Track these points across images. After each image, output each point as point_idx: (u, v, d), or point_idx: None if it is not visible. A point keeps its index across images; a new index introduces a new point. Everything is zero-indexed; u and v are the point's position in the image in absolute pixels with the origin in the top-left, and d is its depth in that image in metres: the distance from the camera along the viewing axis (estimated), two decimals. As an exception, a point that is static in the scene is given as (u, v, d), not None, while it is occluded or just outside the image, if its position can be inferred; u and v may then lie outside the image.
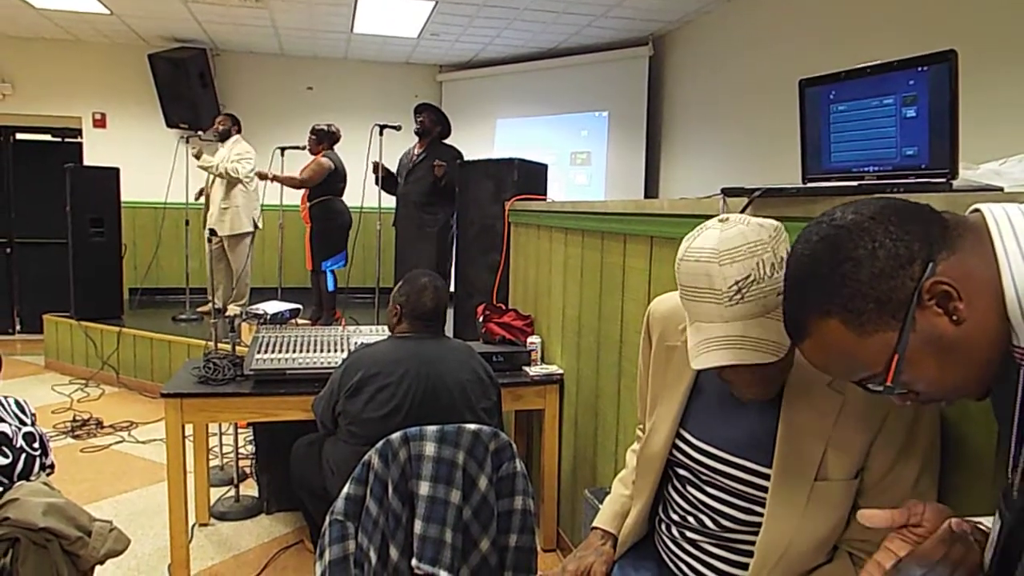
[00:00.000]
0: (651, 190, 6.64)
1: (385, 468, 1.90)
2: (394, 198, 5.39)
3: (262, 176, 5.45)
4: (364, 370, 2.22)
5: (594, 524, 1.52)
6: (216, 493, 3.37)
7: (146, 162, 6.86)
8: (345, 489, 1.90)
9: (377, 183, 5.22)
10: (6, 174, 7.07)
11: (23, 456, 1.88)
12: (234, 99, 7.36)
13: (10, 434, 1.87)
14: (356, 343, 2.76)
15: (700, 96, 5.97)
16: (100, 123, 7.22)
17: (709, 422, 1.27)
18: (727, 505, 1.23)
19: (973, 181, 1.14)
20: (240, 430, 3.57)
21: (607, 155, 6.82)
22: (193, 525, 3.07)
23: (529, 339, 3.10)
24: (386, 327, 2.62)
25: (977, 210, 0.83)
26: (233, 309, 5.88)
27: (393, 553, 1.89)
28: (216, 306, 5.95)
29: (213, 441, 3.70)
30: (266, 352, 2.74)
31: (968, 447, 1.11)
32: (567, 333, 2.89)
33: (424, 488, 1.90)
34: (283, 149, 5.50)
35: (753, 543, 1.20)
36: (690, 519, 1.29)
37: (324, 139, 5.41)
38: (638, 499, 1.41)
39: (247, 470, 3.62)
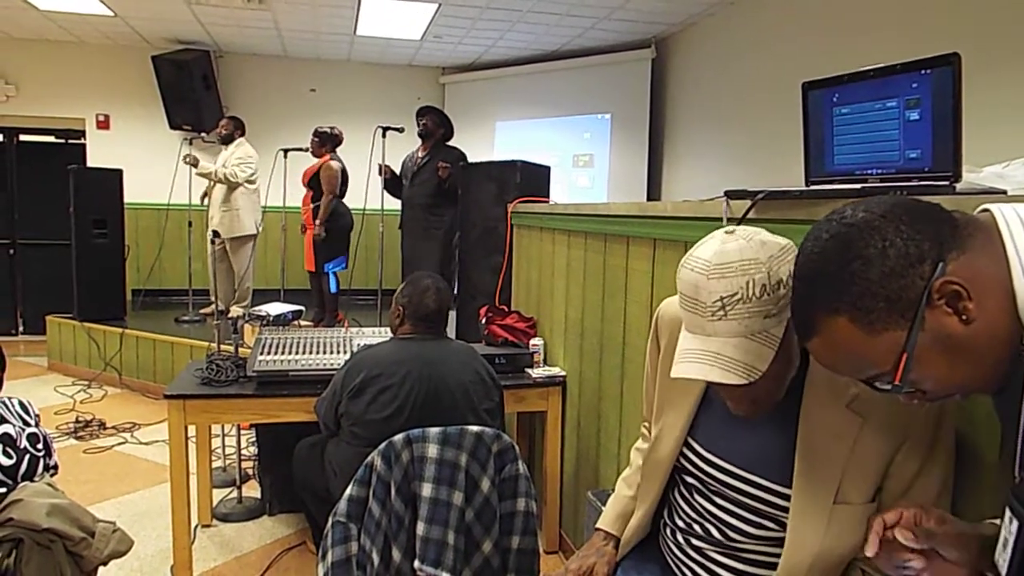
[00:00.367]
0: (654, 192, 6.64)
1: (388, 470, 1.90)
2: (397, 201, 5.40)
3: (317, 232, 5.39)
4: (367, 371, 2.22)
5: (597, 525, 1.51)
6: (219, 494, 3.37)
7: (149, 164, 6.88)
8: (348, 491, 1.90)
9: (383, 186, 5.23)
10: (10, 175, 7.09)
11: (27, 457, 1.89)
12: (237, 101, 7.38)
13: (14, 435, 1.87)
14: (358, 345, 2.77)
15: (703, 99, 5.97)
16: (103, 125, 7.24)
17: (719, 434, 1.25)
18: (735, 517, 1.22)
19: (976, 184, 1.14)
20: (243, 431, 3.57)
21: (610, 157, 6.82)
22: (196, 526, 3.07)
23: (532, 341, 3.10)
24: (388, 329, 2.63)
25: (986, 210, 0.83)
26: (236, 311, 5.88)
27: (395, 555, 1.89)
28: (219, 308, 5.96)
29: (216, 442, 3.70)
30: (269, 354, 2.75)
31: (967, 448, 1.11)
32: (570, 335, 2.89)
33: (427, 490, 1.90)
34: (286, 151, 5.51)
35: (761, 553, 1.20)
36: (696, 527, 1.28)
37: (327, 141, 5.42)
38: (643, 502, 1.40)
39: (250, 471, 3.62)
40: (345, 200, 5.54)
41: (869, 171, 1.27)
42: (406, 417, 2.17)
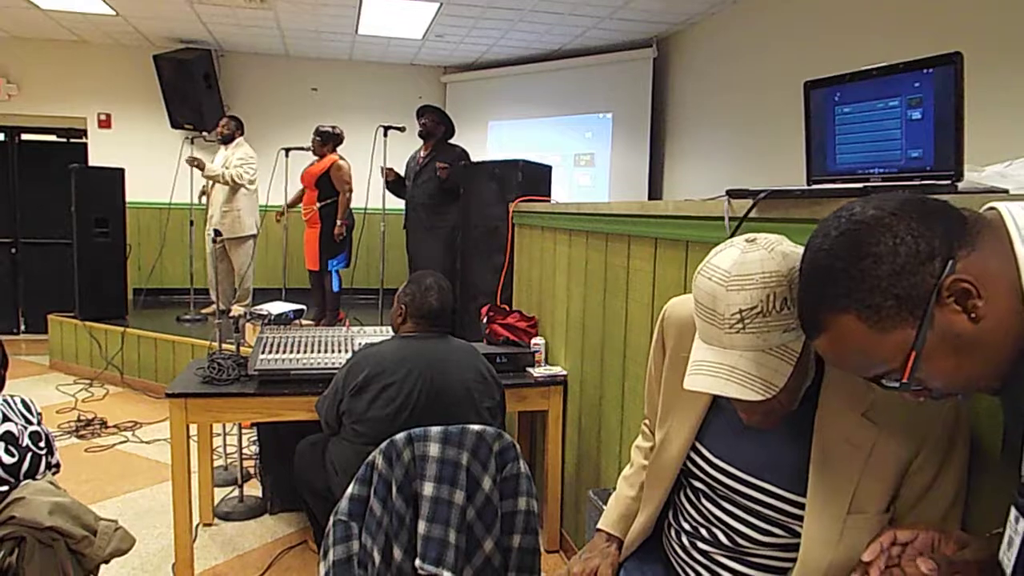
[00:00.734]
0: (655, 192, 6.63)
1: (389, 468, 1.90)
2: (400, 200, 5.41)
3: (343, 234, 5.45)
4: (369, 369, 2.23)
5: (599, 526, 1.50)
6: (220, 493, 3.37)
7: (151, 163, 6.88)
8: (349, 489, 1.90)
9: (387, 188, 5.24)
10: (11, 174, 7.10)
11: (29, 455, 1.89)
12: (238, 100, 7.38)
13: (16, 433, 1.87)
14: (360, 344, 2.77)
15: (704, 98, 5.97)
16: (105, 124, 7.25)
17: (729, 441, 1.23)
18: (743, 523, 1.20)
19: (978, 183, 1.14)
20: (244, 430, 3.57)
21: (611, 157, 6.82)
22: (197, 525, 3.08)
23: (533, 340, 3.10)
24: (389, 327, 2.63)
25: (993, 208, 0.83)
26: (237, 310, 5.89)
27: (397, 553, 1.89)
28: (220, 307, 5.97)
29: (217, 441, 3.70)
30: (270, 352, 2.75)
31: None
32: (571, 334, 2.89)
33: (428, 488, 1.91)
34: (287, 150, 5.52)
35: (769, 558, 1.19)
36: (702, 531, 1.26)
37: (329, 140, 5.43)
38: (647, 505, 1.39)
39: (251, 470, 3.63)
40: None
41: (871, 170, 1.27)
42: (408, 415, 2.17)
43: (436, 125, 5.13)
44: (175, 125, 7.06)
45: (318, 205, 5.41)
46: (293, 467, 2.64)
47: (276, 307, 3.32)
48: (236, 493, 3.37)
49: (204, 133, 6.61)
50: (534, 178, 3.62)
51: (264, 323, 3.19)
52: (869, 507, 1.07)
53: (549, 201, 3.52)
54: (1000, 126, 3.00)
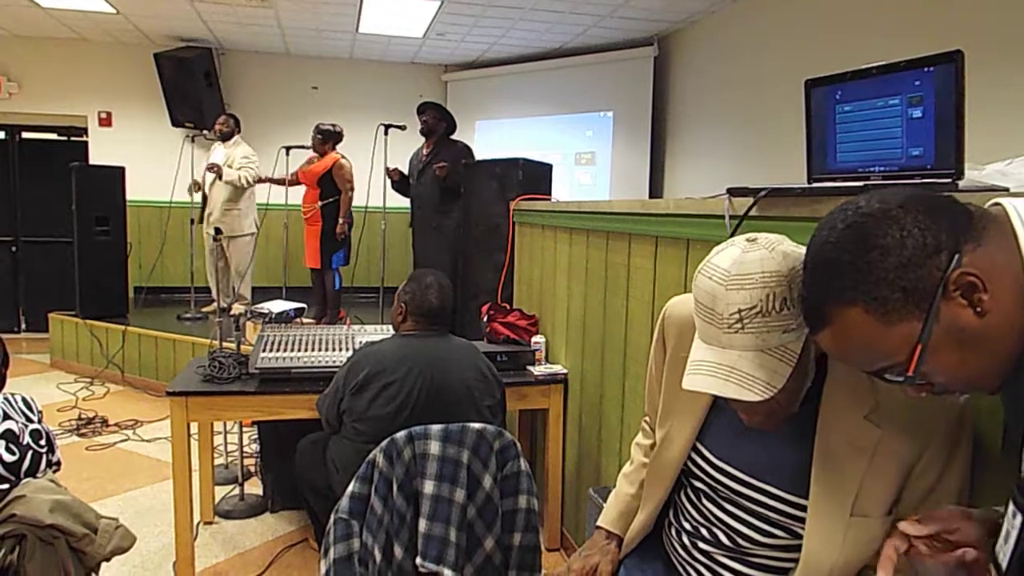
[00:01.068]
0: (656, 190, 6.63)
1: (390, 467, 1.90)
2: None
3: (345, 232, 5.50)
4: (369, 367, 2.23)
5: (599, 523, 1.50)
6: (221, 491, 3.38)
7: (151, 161, 6.88)
8: (350, 487, 1.90)
9: (393, 188, 5.25)
10: (12, 173, 7.11)
11: (30, 453, 1.89)
12: (239, 98, 7.38)
13: (17, 431, 1.88)
14: (361, 342, 2.77)
15: (705, 96, 5.97)
16: (106, 122, 7.25)
17: (730, 441, 1.22)
18: (745, 524, 1.20)
19: (979, 181, 1.13)
20: (245, 429, 3.58)
21: (612, 155, 6.82)
22: (198, 523, 3.08)
23: (533, 339, 3.10)
24: (390, 326, 2.63)
25: (997, 203, 0.83)
26: (238, 308, 5.89)
27: (398, 551, 1.89)
28: (221, 305, 5.97)
29: (218, 440, 3.71)
30: (271, 351, 2.75)
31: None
32: (571, 333, 2.89)
33: (429, 487, 1.91)
34: (288, 148, 5.52)
35: (770, 558, 1.19)
36: (703, 531, 1.26)
37: (330, 139, 5.44)
38: (648, 503, 1.38)
39: (252, 468, 3.63)
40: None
41: (871, 168, 1.27)
42: (408, 414, 2.17)
43: (437, 122, 5.13)
44: (176, 123, 7.06)
45: (320, 204, 5.42)
46: (294, 465, 2.64)
47: (277, 305, 3.33)
48: (237, 491, 3.37)
49: (204, 131, 6.60)
50: (535, 176, 3.62)
51: (265, 321, 3.20)
52: (872, 510, 1.06)
53: (550, 200, 3.52)
54: (1001, 124, 3.00)
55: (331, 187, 5.40)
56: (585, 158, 7.05)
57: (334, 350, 2.81)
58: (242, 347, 2.92)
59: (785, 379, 0.99)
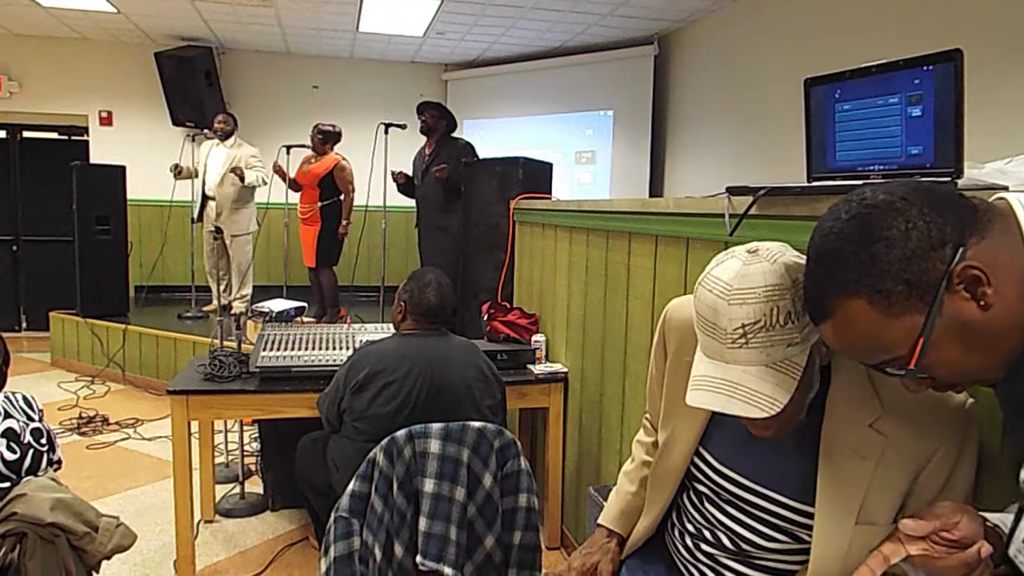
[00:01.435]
0: (656, 189, 6.63)
1: (390, 465, 1.90)
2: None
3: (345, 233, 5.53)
4: (370, 367, 2.23)
5: (599, 522, 1.50)
6: (221, 490, 3.38)
7: (152, 160, 6.87)
8: (350, 486, 1.91)
9: (400, 191, 5.26)
10: (13, 172, 7.11)
11: (31, 452, 1.89)
12: (240, 98, 7.38)
13: (18, 430, 1.88)
14: (361, 341, 2.77)
15: (705, 95, 5.97)
16: (106, 121, 7.25)
17: (734, 447, 1.21)
18: (748, 529, 1.19)
19: (978, 180, 1.13)
20: (245, 427, 3.58)
21: (612, 154, 6.82)
22: (198, 522, 3.08)
23: (534, 337, 3.10)
24: (390, 324, 2.63)
25: (1002, 198, 0.83)
26: (238, 307, 5.91)
27: (398, 550, 1.89)
28: (222, 303, 5.99)
29: (218, 438, 3.71)
30: (271, 349, 2.76)
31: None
32: (572, 331, 2.89)
33: (429, 485, 1.91)
34: (288, 147, 5.52)
35: (774, 561, 1.19)
36: (706, 533, 1.26)
37: (330, 139, 5.46)
38: (651, 508, 1.38)
39: (252, 467, 3.63)
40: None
41: (871, 167, 1.27)
42: (409, 412, 2.17)
43: (437, 120, 5.12)
44: (176, 123, 7.06)
45: (319, 204, 5.42)
46: (294, 464, 2.64)
47: (277, 304, 3.33)
48: (237, 490, 3.38)
49: (205, 130, 6.61)
50: (535, 175, 3.62)
51: (265, 320, 3.20)
52: (878, 518, 1.05)
53: (550, 198, 3.53)
54: (1000, 123, 3.00)
55: (331, 188, 5.40)
56: (585, 157, 7.05)
57: (335, 349, 2.81)
58: (243, 346, 2.93)
59: (791, 393, 0.98)
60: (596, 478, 2.64)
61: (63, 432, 4.27)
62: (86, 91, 7.14)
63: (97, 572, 1.90)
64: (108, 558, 1.88)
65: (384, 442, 1.91)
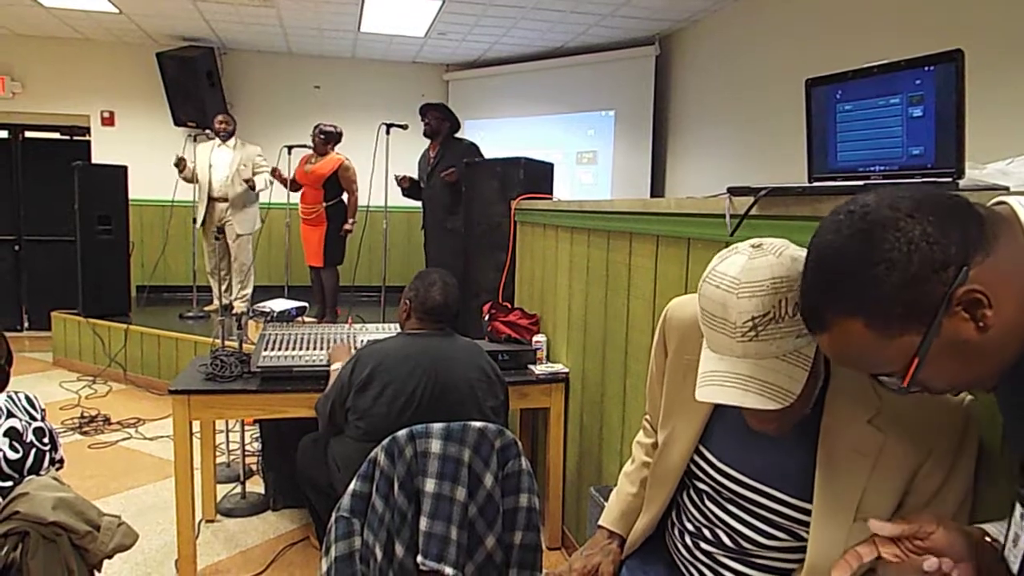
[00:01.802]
0: (657, 189, 6.63)
1: (391, 465, 1.91)
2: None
3: (348, 230, 5.57)
4: (373, 365, 2.23)
5: (600, 523, 1.50)
6: (223, 490, 3.38)
7: (154, 160, 6.89)
8: (351, 486, 1.91)
9: (405, 194, 5.27)
10: (15, 172, 7.12)
11: (33, 451, 1.90)
12: (241, 98, 7.39)
13: (20, 429, 1.88)
14: (362, 341, 2.77)
15: (706, 95, 5.97)
16: (108, 121, 7.26)
17: (734, 446, 1.22)
18: (747, 526, 1.20)
19: (979, 181, 1.13)
20: (246, 427, 3.58)
21: (613, 154, 6.82)
22: (200, 521, 3.08)
23: (535, 338, 3.10)
24: (390, 325, 2.63)
25: (1003, 202, 0.82)
26: (240, 307, 5.91)
27: (399, 550, 1.89)
28: (223, 303, 6.00)
29: (220, 438, 3.71)
30: (273, 349, 2.76)
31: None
32: (573, 332, 2.89)
33: (430, 485, 1.91)
34: (290, 148, 5.53)
35: (772, 559, 1.19)
36: (706, 531, 1.26)
37: (332, 139, 5.47)
38: (651, 506, 1.38)
39: (253, 467, 3.64)
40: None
41: (872, 168, 1.27)
42: (412, 412, 2.17)
43: (440, 122, 5.13)
44: (178, 123, 7.06)
45: (324, 204, 5.43)
46: (295, 463, 2.65)
47: (279, 304, 3.33)
48: (239, 489, 3.38)
49: (207, 130, 6.62)
50: (536, 176, 3.62)
51: (267, 320, 3.20)
52: (876, 514, 1.04)
53: (551, 199, 3.53)
54: (1001, 123, 3.00)
55: (336, 188, 5.42)
56: (587, 157, 7.05)
57: (336, 349, 2.81)
58: (244, 346, 2.93)
59: (802, 384, 0.98)
60: (597, 478, 2.64)
61: (65, 432, 4.28)
62: (88, 91, 7.15)
63: (99, 571, 1.90)
64: (110, 557, 1.88)
65: (385, 442, 1.91)
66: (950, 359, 0.78)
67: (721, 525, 1.24)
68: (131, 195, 6.00)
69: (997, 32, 3.23)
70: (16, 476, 1.84)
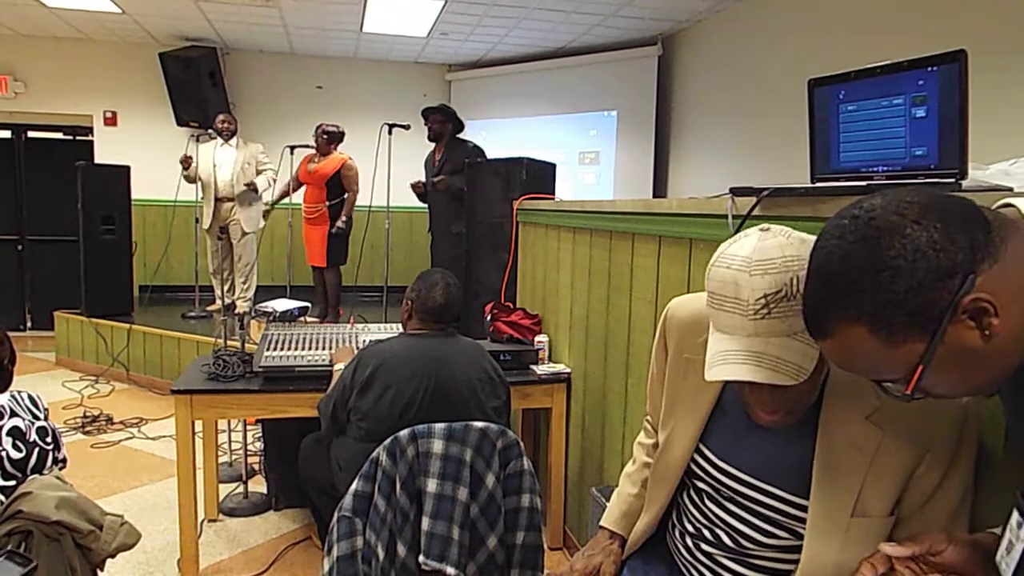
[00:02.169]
0: (659, 189, 6.63)
1: (393, 465, 1.91)
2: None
3: (344, 228, 5.56)
4: (376, 366, 2.23)
5: (601, 523, 1.51)
6: (225, 489, 3.39)
7: (156, 160, 6.90)
8: (353, 486, 1.91)
9: (420, 200, 5.33)
10: (18, 172, 7.13)
11: (36, 450, 1.90)
12: (244, 98, 7.39)
13: (23, 428, 1.89)
14: (364, 341, 2.78)
15: (709, 96, 5.96)
16: (111, 121, 7.27)
17: (733, 444, 1.22)
18: (747, 525, 1.20)
19: (983, 181, 1.13)
20: (249, 427, 3.59)
21: (615, 154, 6.82)
22: (202, 521, 3.08)
23: (537, 338, 3.10)
24: (392, 325, 2.63)
25: (1010, 204, 0.82)
26: (242, 306, 5.92)
27: (401, 549, 1.90)
28: (226, 303, 6.01)
29: (222, 438, 3.72)
30: (275, 349, 2.76)
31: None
32: (575, 332, 2.89)
33: (432, 485, 1.91)
34: (292, 148, 5.53)
35: (772, 560, 1.19)
36: (706, 532, 1.26)
37: (335, 139, 5.48)
38: (651, 506, 1.38)
39: (256, 467, 3.64)
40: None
41: (875, 168, 1.27)
42: (414, 412, 2.17)
43: (443, 125, 5.13)
44: (180, 123, 7.07)
45: (327, 204, 5.44)
46: (297, 463, 2.65)
47: (281, 304, 3.34)
48: (241, 489, 3.38)
49: (209, 131, 6.63)
50: (538, 176, 3.63)
51: (269, 320, 3.21)
52: (873, 511, 1.06)
53: (553, 199, 3.53)
54: (1005, 124, 2.99)
55: (339, 187, 5.42)
56: (589, 157, 7.05)
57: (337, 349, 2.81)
58: (246, 346, 2.93)
59: (814, 362, 0.99)
60: (599, 479, 2.64)
61: (68, 431, 4.29)
62: (91, 91, 7.16)
63: (102, 570, 1.91)
64: (112, 556, 1.89)
65: (387, 442, 1.91)
66: (954, 367, 0.78)
67: (721, 525, 1.24)
68: (134, 195, 6.00)
69: (1001, 33, 3.22)
70: (19, 475, 1.84)
